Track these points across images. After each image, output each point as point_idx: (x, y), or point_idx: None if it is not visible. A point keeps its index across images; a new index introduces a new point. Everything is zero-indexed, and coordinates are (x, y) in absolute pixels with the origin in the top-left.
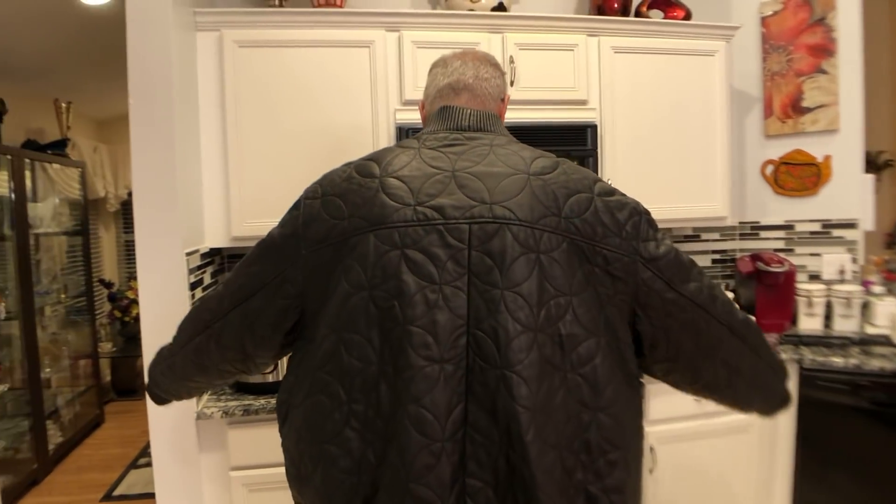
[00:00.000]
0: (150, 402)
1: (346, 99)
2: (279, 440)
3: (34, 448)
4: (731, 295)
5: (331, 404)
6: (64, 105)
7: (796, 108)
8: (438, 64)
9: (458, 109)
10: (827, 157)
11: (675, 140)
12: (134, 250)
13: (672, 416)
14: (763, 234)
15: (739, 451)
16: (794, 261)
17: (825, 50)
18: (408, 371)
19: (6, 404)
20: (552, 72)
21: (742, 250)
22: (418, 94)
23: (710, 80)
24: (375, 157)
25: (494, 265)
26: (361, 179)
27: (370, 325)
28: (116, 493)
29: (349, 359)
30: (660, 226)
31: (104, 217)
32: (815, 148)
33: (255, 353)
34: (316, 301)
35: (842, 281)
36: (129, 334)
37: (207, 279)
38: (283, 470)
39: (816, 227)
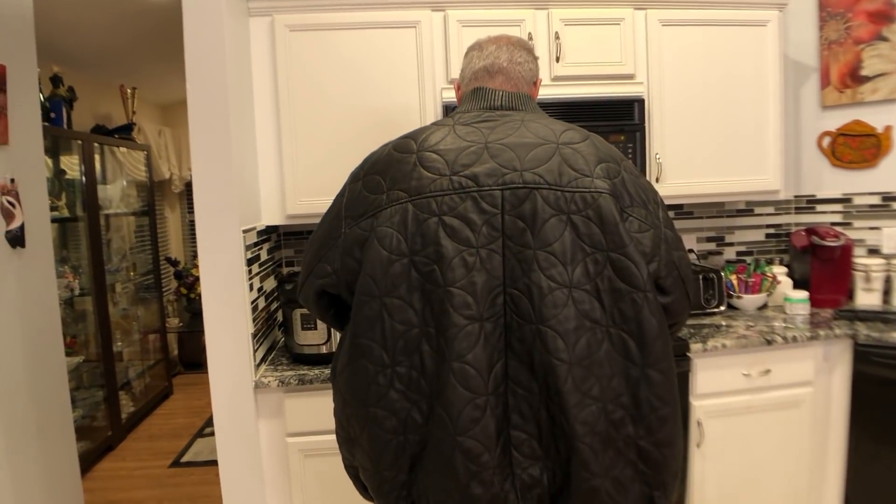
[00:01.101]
0: (213, 378)
1: (393, 79)
2: (332, 408)
3: (108, 417)
4: (785, 269)
5: (374, 368)
6: (129, 91)
7: (855, 76)
8: (474, 48)
9: (492, 91)
10: (887, 128)
11: (725, 113)
12: None
13: (720, 390)
14: (819, 207)
15: (790, 427)
16: (852, 235)
17: (885, 16)
18: (451, 330)
19: (82, 376)
20: (598, 47)
21: (797, 224)
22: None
23: (762, 51)
24: (412, 135)
25: (526, 227)
26: (399, 155)
27: (411, 290)
28: (184, 459)
29: (391, 322)
30: (710, 200)
31: (169, 198)
32: (874, 118)
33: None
34: (351, 273)
35: None
36: (195, 310)
37: (264, 255)
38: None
39: (876, 199)
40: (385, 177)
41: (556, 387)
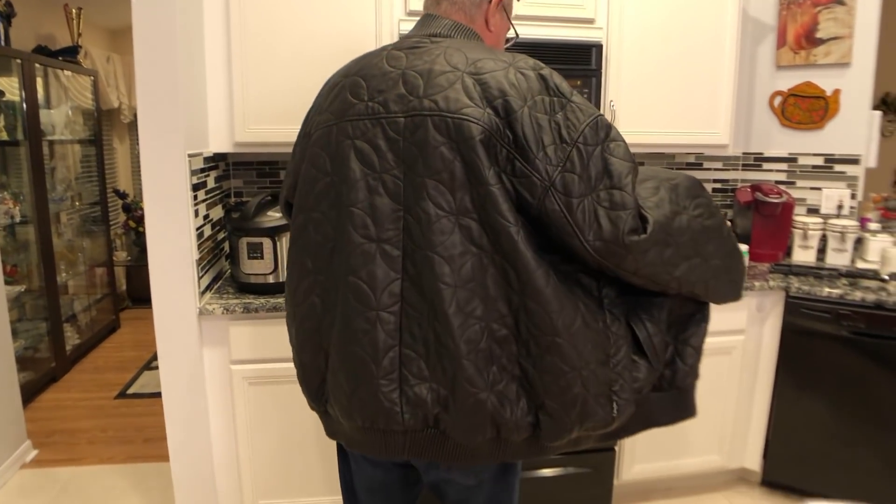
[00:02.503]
0: (156, 304)
1: (349, 7)
2: (277, 337)
3: (52, 348)
4: (728, 223)
5: (300, 273)
6: (74, 11)
7: (810, 38)
8: None
9: (435, 18)
10: (836, 91)
11: (681, 65)
12: None
13: None
14: (766, 165)
15: (720, 373)
16: (795, 194)
17: None
18: (348, 247)
19: (24, 306)
20: None
21: (744, 181)
22: (422, 5)
23: (723, 5)
24: (357, 59)
25: (419, 155)
26: (338, 79)
27: (331, 207)
28: (130, 391)
29: (314, 235)
30: (661, 150)
31: (118, 128)
32: (825, 81)
33: None
34: (291, 188)
35: (839, 216)
36: (144, 245)
37: (211, 183)
38: (280, 365)
39: (819, 161)
40: (325, 99)
41: (441, 309)
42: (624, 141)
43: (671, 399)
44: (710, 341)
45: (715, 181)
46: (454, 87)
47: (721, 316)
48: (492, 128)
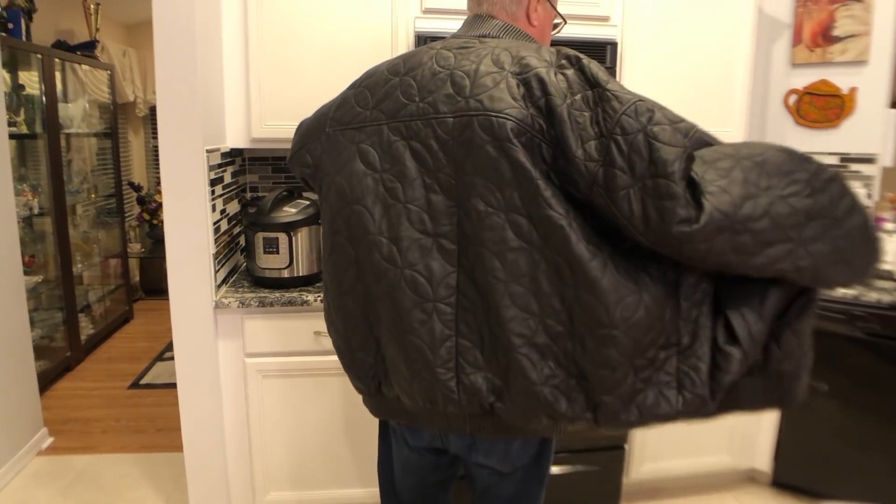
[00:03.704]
0: (173, 297)
1: (366, 5)
2: (291, 331)
3: (67, 338)
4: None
5: (346, 262)
6: (92, 6)
7: (826, 36)
8: None
9: (484, 18)
10: (852, 90)
11: (696, 62)
12: None
13: None
14: None
15: None
16: None
17: None
18: (404, 241)
19: (41, 296)
20: None
21: None
22: (438, 2)
23: (737, 2)
24: (405, 56)
25: (468, 154)
26: (388, 76)
27: (375, 202)
28: (143, 381)
29: (357, 227)
30: None
31: (133, 122)
32: (841, 79)
33: None
34: (328, 174)
35: None
36: (157, 237)
37: (228, 178)
38: (293, 359)
39: (834, 160)
40: (373, 94)
41: (493, 302)
42: (675, 123)
43: (762, 383)
44: None
45: None
46: (499, 86)
47: None
48: (533, 127)
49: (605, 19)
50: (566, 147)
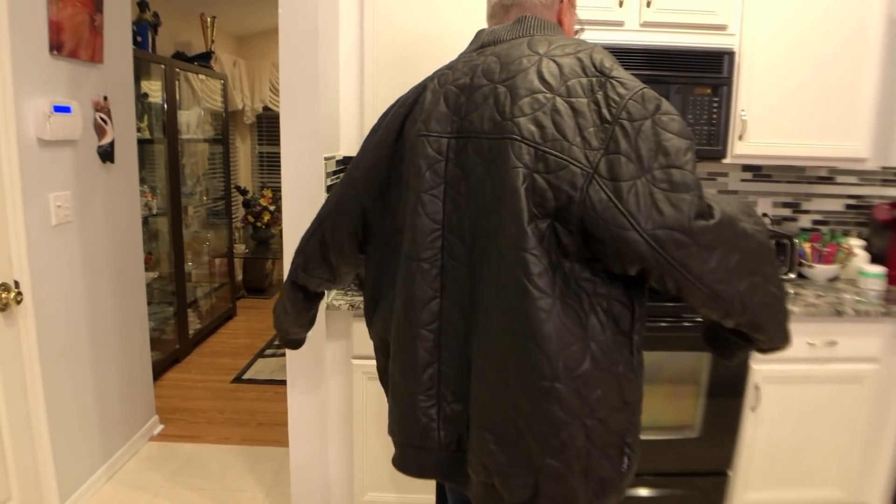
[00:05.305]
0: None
1: (482, 14)
2: None
3: (177, 331)
4: (862, 242)
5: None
6: (209, 20)
7: None
8: None
9: (492, 29)
10: None
11: (818, 72)
12: (266, 161)
13: (781, 356)
14: None
15: (850, 402)
16: None
17: None
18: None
19: (154, 292)
20: None
21: (882, 197)
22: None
23: (866, 10)
24: (451, 65)
25: (463, 176)
26: (435, 86)
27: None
28: (245, 376)
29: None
30: (792, 164)
31: (241, 129)
32: None
33: None
34: (391, 189)
35: None
36: (260, 238)
37: None
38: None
39: None
40: (430, 104)
41: (483, 324)
42: (679, 116)
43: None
44: (839, 368)
45: (849, 196)
46: (485, 105)
47: (853, 342)
48: (523, 135)
49: (722, 28)
50: (558, 138)
